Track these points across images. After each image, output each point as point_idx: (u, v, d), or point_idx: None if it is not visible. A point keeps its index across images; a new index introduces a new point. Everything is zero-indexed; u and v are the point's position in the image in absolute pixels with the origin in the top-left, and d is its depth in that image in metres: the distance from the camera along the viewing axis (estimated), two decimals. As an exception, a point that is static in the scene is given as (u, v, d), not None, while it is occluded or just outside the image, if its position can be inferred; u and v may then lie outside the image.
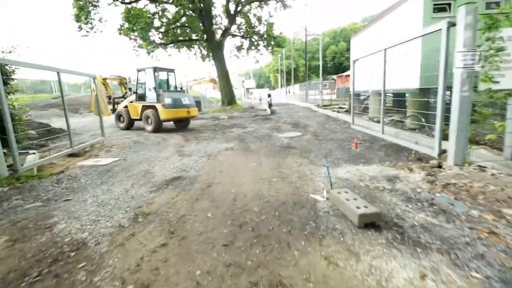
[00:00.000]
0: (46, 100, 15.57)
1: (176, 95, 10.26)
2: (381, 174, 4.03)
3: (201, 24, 18.54)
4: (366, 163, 4.69)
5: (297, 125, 10.47)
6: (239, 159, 5.42)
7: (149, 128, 10.15)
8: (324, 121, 11.42)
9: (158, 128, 10.06)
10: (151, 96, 10.24)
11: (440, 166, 3.91)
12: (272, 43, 21.76)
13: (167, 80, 11.03)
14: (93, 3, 16.73)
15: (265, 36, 21.35)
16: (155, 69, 10.12)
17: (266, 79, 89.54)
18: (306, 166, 4.70)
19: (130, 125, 11.47)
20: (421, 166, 4.19)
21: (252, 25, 20.67)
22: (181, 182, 4.08)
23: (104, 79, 18.82)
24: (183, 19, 18.52)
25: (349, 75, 21.09)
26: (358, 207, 2.59)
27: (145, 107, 10.30)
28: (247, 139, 7.80)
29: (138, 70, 10.69)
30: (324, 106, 17.16)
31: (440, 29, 3.90)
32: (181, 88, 12.00)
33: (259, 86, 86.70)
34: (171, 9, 19.18)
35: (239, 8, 20.01)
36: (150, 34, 17.85)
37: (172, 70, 11.13)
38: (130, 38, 18.33)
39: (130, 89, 14.22)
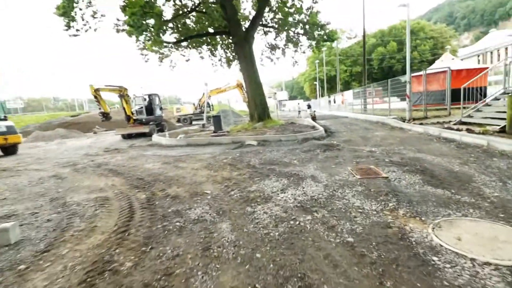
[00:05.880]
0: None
1: None
2: None
3: (218, 12, 13.41)
4: None
5: (430, 173, 4.23)
6: None
7: None
8: (482, 161, 5.02)
9: None
10: None
11: None
12: (317, 34, 15.82)
13: None
14: (83, -8, 12.52)
15: (308, 26, 15.53)
16: None
17: (299, 90, 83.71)
18: None
19: None
20: None
21: (290, 11, 15.04)
22: None
23: (96, 90, 14.47)
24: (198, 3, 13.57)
25: (439, 72, 14.22)
26: None
27: None
28: None
29: None
30: (415, 120, 10.54)
31: None
32: (5, 117, 11.43)
33: (292, 97, 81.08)
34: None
35: (272, -10, 14.64)
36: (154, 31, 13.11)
37: None
38: (132, 37, 13.78)
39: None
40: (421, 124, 9.57)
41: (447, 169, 4.45)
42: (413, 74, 15.37)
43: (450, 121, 9.36)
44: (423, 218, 2.76)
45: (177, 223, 2.91)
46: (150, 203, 3.66)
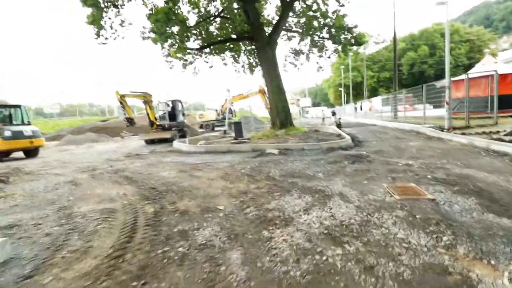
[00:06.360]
0: None
1: (16, 128, 11.10)
2: None
3: (240, 17, 13.21)
4: None
5: (488, 196, 3.46)
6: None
7: None
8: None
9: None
10: None
11: None
12: (343, 38, 15.10)
13: (10, 115, 11.83)
14: (113, 2, 12.98)
15: (333, 30, 14.87)
16: None
17: (323, 97, 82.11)
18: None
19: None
20: None
21: (315, 15, 14.51)
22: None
23: (122, 96, 14.85)
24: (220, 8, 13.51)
25: (480, 77, 12.87)
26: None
27: None
28: None
29: None
30: (456, 129, 9.46)
31: None
32: (28, 122, 12.23)
33: (315, 104, 79.61)
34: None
35: (297, -6, 14.23)
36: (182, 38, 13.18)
37: (17, 106, 12.09)
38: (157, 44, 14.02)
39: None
40: (463, 134, 8.51)
41: (508, 190, 3.65)
42: (454, 79, 14.06)
43: (498, 131, 8.26)
44: (492, 262, 2.09)
45: (180, 249, 2.49)
46: (156, 219, 3.30)
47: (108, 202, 4.19)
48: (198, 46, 15.12)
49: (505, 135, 7.30)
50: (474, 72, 13.28)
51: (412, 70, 46.14)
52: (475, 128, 9.30)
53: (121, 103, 14.17)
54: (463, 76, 11.28)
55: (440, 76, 41.61)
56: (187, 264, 2.24)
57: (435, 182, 4.17)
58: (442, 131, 9.51)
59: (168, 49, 14.89)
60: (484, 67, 15.57)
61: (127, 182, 5.49)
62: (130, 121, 14.76)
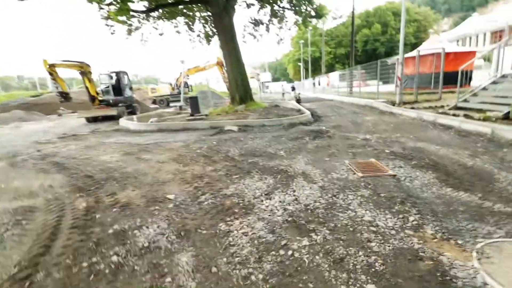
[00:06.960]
0: None
1: None
2: None
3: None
4: None
5: (443, 170, 3.53)
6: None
7: None
8: (492, 152, 4.41)
9: None
10: None
11: None
12: (304, 9, 14.65)
13: None
14: None
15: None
16: None
17: (283, 72, 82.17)
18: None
19: None
20: None
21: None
22: None
23: (52, 65, 12.55)
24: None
25: (427, 55, 13.67)
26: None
27: None
28: None
29: None
30: (406, 104, 9.98)
31: None
32: None
33: (275, 79, 79.46)
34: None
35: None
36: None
37: None
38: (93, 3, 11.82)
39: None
40: (412, 108, 9.00)
41: (459, 163, 3.79)
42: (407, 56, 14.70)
43: (442, 106, 8.86)
44: (459, 241, 2.03)
45: (114, 257, 1.97)
46: (87, 218, 2.67)
47: (27, 197, 3.37)
48: (144, 9, 13.22)
49: (449, 109, 7.86)
50: (424, 49, 14.04)
51: (366, 47, 48.03)
52: (422, 103, 9.94)
53: (51, 74, 11.93)
54: (414, 53, 11.81)
55: (389, 54, 44.07)
56: (122, 278, 1.76)
57: (393, 157, 4.19)
58: (394, 105, 9.98)
59: (107, 10, 12.74)
60: (430, 45, 16.65)
61: (57, 170, 4.57)
62: (65, 96, 12.67)
